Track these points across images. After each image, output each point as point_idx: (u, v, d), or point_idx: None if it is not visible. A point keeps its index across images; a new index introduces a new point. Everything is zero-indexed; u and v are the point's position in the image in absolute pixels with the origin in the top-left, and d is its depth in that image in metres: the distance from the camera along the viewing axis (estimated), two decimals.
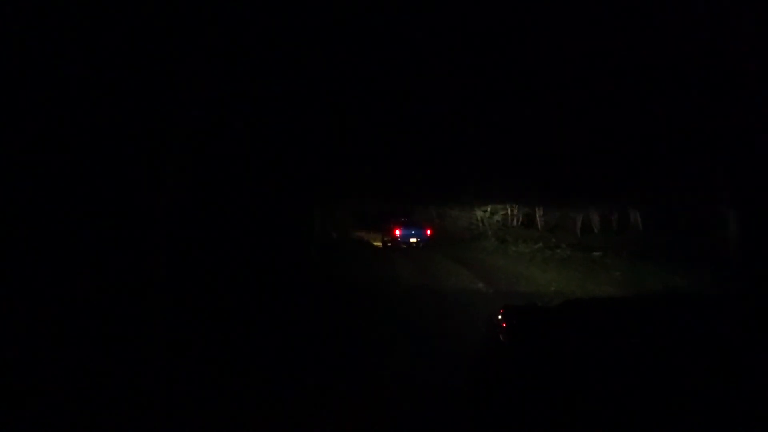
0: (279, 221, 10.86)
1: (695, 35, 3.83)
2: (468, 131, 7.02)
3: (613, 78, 4.72)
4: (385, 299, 8.05)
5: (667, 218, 15.98)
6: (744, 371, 1.66)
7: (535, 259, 13.99)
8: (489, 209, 22.23)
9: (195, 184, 6.17)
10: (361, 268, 12.66)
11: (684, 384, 1.65)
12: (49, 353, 3.72)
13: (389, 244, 18.55)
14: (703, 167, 8.32)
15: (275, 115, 6.12)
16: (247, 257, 8.59)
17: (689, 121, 5.90)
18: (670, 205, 14.51)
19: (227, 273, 7.40)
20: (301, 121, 6.43)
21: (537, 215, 22.27)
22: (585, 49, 4.16)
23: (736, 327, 2.03)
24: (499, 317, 2.43)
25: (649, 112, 5.71)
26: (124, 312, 4.46)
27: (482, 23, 3.81)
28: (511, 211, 22.74)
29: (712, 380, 1.63)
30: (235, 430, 3.15)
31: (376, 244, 19.81)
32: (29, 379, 3.39)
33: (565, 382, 1.80)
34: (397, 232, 18.16)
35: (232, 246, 8.16)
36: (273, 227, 10.40)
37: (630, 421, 1.57)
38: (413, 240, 18.19)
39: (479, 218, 22.95)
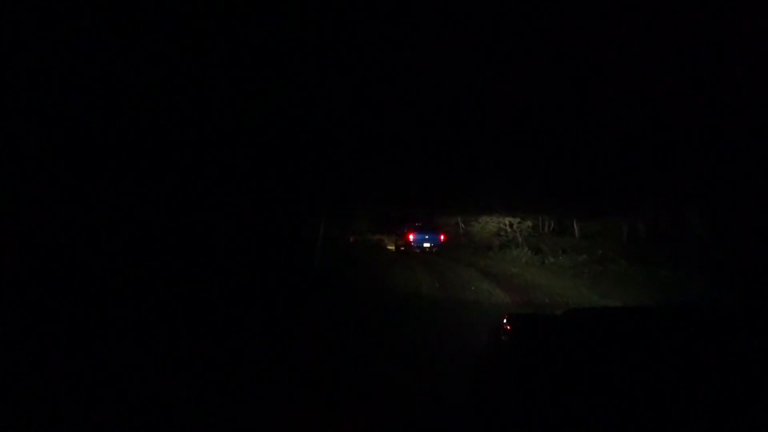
0: (279, 227, 10.48)
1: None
2: (494, 141, 7.05)
3: (643, 82, 4.74)
4: (395, 331, 6.12)
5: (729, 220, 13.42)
6: (750, 383, 1.62)
7: (581, 275, 11.56)
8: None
9: (201, 189, 6.40)
10: (372, 279, 10.78)
11: (681, 393, 1.63)
12: (49, 353, 3.72)
13: (402, 249, 18.22)
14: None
15: (293, 120, 5.96)
16: (249, 262, 8.31)
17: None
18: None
19: (228, 277, 7.19)
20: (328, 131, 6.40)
21: (573, 221, 19.94)
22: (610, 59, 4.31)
23: (743, 338, 1.97)
24: (504, 321, 2.47)
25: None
26: (129, 314, 4.52)
27: (512, 36, 3.98)
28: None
29: (714, 390, 1.60)
30: None
31: (389, 248, 19.25)
32: (29, 379, 3.39)
33: (563, 386, 1.82)
34: (411, 237, 17.82)
35: (236, 250, 8.07)
36: (275, 232, 10.18)
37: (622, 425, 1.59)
38: (426, 245, 17.79)
39: (508, 223, 20.72)
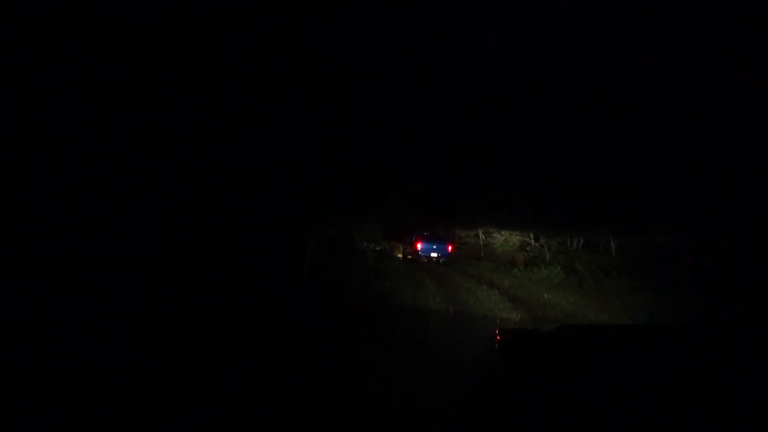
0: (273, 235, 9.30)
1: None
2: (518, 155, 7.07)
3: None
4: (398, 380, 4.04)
5: None
6: (746, 406, 1.56)
7: (647, 310, 8.91)
8: None
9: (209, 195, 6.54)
10: (369, 294, 8.77)
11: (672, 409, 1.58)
12: (51, 354, 3.73)
13: (409, 257, 18.15)
14: None
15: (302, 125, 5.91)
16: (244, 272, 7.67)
17: None
18: None
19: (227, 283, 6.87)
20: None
21: (610, 237, 17.49)
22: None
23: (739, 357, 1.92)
24: (495, 332, 2.46)
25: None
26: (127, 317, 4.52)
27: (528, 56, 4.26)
28: None
29: (713, 411, 1.54)
30: None
31: (397, 255, 18.87)
32: (29, 380, 3.40)
33: (550, 401, 1.76)
34: (418, 246, 17.78)
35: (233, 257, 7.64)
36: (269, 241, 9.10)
37: None
38: (434, 255, 17.74)
39: (533, 237, 18.40)
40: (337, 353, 5.22)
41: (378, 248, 18.49)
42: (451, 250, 18.33)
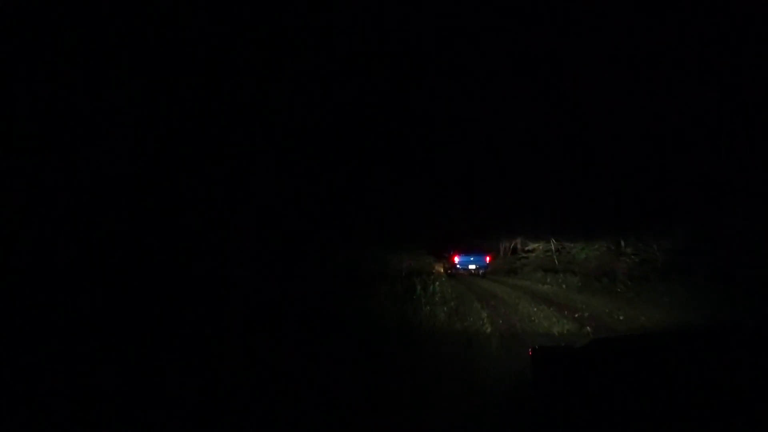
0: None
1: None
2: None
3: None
4: None
5: None
6: None
7: None
8: None
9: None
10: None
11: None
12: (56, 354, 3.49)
13: (450, 271, 17.47)
14: None
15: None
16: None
17: None
18: None
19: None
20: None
21: None
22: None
23: None
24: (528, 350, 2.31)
25: None
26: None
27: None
28: None
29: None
30: None
31: (438, 270, 17.47)
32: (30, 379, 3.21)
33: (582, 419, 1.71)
34: (456, 259, 17.62)
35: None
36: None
37: None
38: (472, 267, 17.50)
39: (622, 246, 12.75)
40: None
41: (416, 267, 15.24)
42: (490, 260, 18.06)
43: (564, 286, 10.43)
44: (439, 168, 8.89)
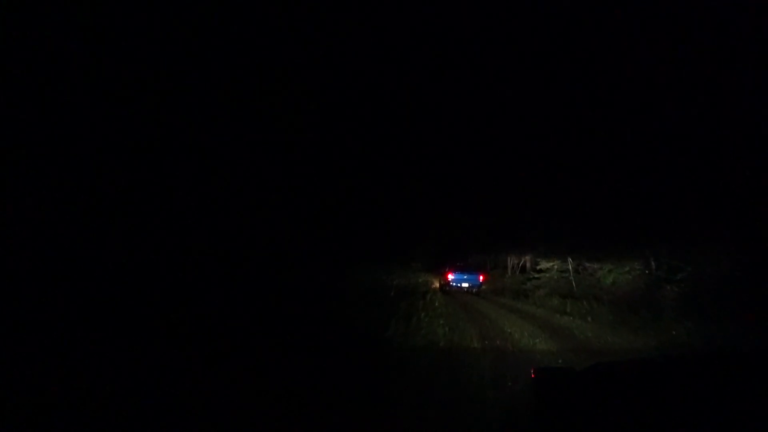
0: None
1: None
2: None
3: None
4: None
5: None
6: None
7: None
8: None
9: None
10: None
11: None
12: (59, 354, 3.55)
13: (446, 288, 17.53)
14: None
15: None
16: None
17: None
18: None
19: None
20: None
21: None
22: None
23: None
24: (531, 371, 2.28)
25: None
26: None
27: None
28: None
29: None
30: None
31: (434, 286, 17.51)
32: (30, 380, 3.25)
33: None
34: (449, 277, 17.57)
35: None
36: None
37: None
38: (465, 285, 17.48)
39: (653, 268, 10.45)
40: None
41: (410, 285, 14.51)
42: (483, 279, 17.93)
43: (590, 318, 8.15)
44: (441, 173, 8.35)
